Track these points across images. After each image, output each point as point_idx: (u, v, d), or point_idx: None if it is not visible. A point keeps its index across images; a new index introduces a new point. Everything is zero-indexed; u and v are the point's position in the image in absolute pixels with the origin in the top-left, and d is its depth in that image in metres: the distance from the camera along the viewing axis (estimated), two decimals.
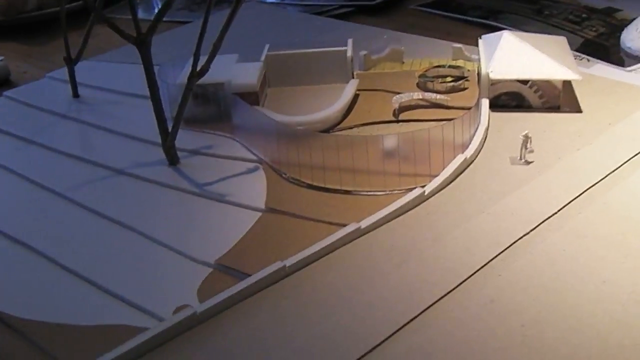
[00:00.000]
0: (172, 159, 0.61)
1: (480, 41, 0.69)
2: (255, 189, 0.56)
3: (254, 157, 0.60)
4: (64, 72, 0.77)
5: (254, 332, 0.40)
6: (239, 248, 0.49)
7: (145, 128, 0.64)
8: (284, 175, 0.57)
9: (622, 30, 0.82)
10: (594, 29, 0.86)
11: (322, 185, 0.55)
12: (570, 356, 0.36)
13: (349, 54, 0.69)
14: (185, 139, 0.63)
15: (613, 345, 0.37)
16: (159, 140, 0.61)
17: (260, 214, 0.53)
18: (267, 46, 0.71)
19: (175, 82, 0.65)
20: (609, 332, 0.38)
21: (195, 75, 0.57)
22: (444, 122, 0.55)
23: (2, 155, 0.66)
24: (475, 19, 0.91)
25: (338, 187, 0.54)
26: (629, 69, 0.74)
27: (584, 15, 0.90)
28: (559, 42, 0.67)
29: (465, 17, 0.92)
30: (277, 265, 0.44)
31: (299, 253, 0.45)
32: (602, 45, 0.82)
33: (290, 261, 0.44)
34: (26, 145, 0.68)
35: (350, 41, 0.71)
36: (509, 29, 0.71)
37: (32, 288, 0.48)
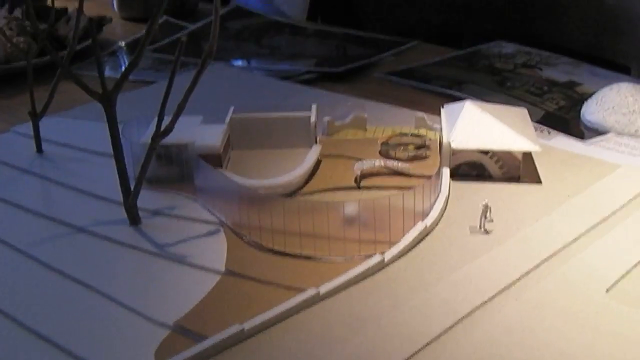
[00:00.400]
0: (134, 219, 0.60)
1: (442, 110, 0.70)
2: (215, 251, 0.56)
3: (215, 219, 0.60)
4: (29, 127, 0.76)
5: None
6: (197, 310, 0.49)
7: (108, 186, 0.64)
8: (244, 238, 0.57)
9: (582, 103, 0.84)
10: (554, 101, 0.88)
11: (282, 249, 0.55)
12: None
13: (313, 119, 0.70)
14: (147, 198, 0.62)
15: None
16: (121, 199, 0.61)
17: (219, 276, 0.53)
18: (231, 108, 0.72)
19: (139, 141, 0.65)
20: None
21: (159, 134, 0.57)
22: (405, 190, 0.55)
23: None
24: (438, 89, 0.93)
25: (298, 252, 0.54)
26: (588, 141, 0.76)
27: (545, 88, 0.92)
28: (520, 114, 0.69)
29: (429, 87, 0.94)
30: (235, 328, 0.44)
31: (258, 316, 0.45)
32: (562, 118, 0.84)
33: (248, 324, 0.44)
34: None
35: (314, 107, 0.71)
36: (471, 99, 0.72)
37: None
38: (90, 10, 1.25)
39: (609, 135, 0.78)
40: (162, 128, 0.58)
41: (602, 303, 0.47)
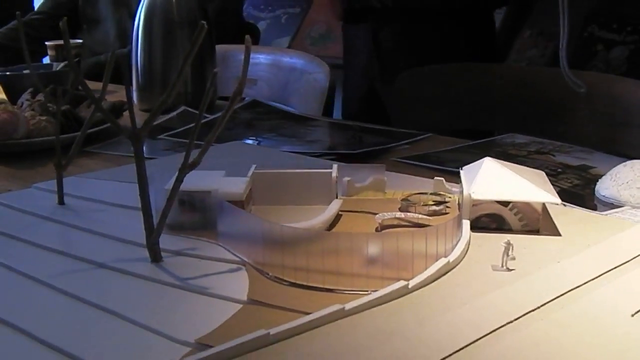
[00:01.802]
0: (155, 256, 0.61)
1: (461, 171, 0.71)
2: (237, 284, 0.56)
3: (237, 259, 0.60)
4: (49, 184, 0.78)
5: None
6: (220, 331, 0.49)
7: (129, 231, 0.65)
8: (266, 275, 0.57)
9: (596, 183, 0.85)
10: (569, 181, 0.90)
11: (305, 283, 0.55)
12: None
13: (334, 175, 0.71)
14: (169, 241, 0.63)
15: None
16: (142, 242, 0.62)
17: (241, 305, 0.53)
18: (254, 166, 0.73)
19: (163, 188, 0.66)
20: None
21: (186, 166, 0.58)
22: (428, 227, 0.56)
23: None
24: (453, 169, 0.94)
25: (321, 285, 0.54)
26: (603, 213, 0.77)
27: (559, 170, 0.94)
28: (538, 174, 0.70)
29: (443, 167, 0.95)
30: (261, 332, 0.43)
31: (283, 325, 0.45)
32: (577, 194, 0.85)
33: (274, 330, 0.44)
34: (8, 240, 0.67)
35: (335, 165, 0.73)
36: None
37: None
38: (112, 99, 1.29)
39: (624, 209, 0.78)
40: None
41: (627, 325, 0.46)
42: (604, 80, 1.34)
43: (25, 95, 1.28)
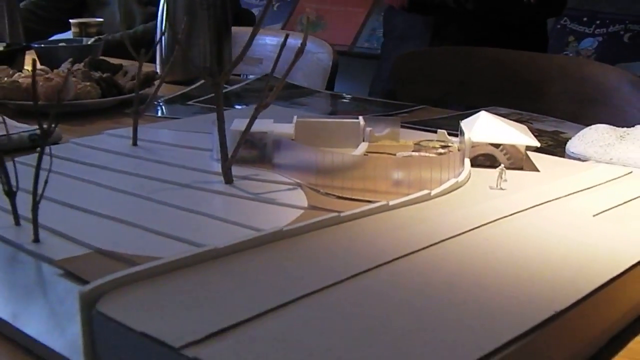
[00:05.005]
0: (229, 178, 0.78)
1: (461, 122, 0.89)
2: (297, 197, 0.74)
3: (293, 182, 0.78)
4: (118, 131, 0.95)
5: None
6: (296, 220, 0.66)
7: (199, 163, 0.82)
8: (319, 192, 0.75)
9: (567, 143, 1.04)
10: (544, 142, 1.08)
11: (350, 196, 0.73)
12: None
13: (362, 123, 0.89)
14: (235, 170, 0.80)
15: None
16: (212, 170, 0.79)
17: (303, 210, 0.71)
18: (295, 116, 0.91)
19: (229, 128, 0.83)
20: None
21: (261, 105, 0.75)
22: (441, 156, 0.74)
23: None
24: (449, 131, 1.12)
25: (361, 198, 0.73)
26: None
27: (536, 134, 1.12)
28: (522, 127, 0.88)
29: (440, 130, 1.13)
30: (333, 215, 0.61)
31: (346, 211, 0.62)
32: (551, 152, 1.03)
33: (344, 213, 0.61)
34: (96, 169, 0.85)
35: (361, 117, 0.91)
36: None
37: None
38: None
39: (589, 162, 0.97)
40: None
41: (589, 222, 0.65)
42: (575, 62, 1.54)
43: (66, 64, 1.45)
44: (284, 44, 0.74)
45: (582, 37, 2.54)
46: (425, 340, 0.43)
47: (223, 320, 0.43)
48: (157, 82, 1.12)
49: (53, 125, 0.66)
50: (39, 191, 0.65)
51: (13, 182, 0.67)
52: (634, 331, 0.56)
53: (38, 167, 0.65)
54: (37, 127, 1.03)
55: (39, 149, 0.66)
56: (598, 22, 2.54)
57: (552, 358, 0.48)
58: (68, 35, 2.51)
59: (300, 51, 0.74)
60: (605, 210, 0.68)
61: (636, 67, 2.41)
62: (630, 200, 0.72)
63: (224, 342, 0.41)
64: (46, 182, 0.65)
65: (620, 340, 0.55)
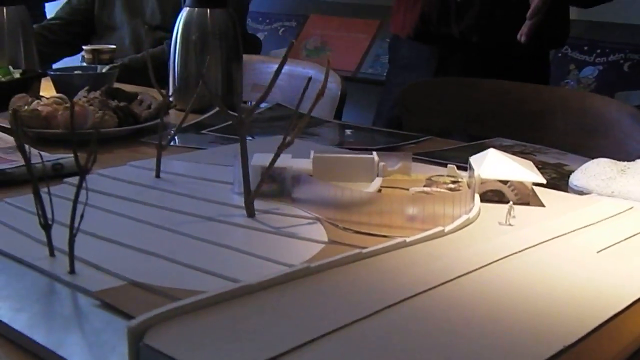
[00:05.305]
0: (251, 212, 0.82)
1: (470, 159, 0.94)
2: (317, 232, 0.78)
3: (312, 216, 0.82)
4: (140, 163, 0.99)
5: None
6: (317, 256, 0.71)
7: (221, 197, 0.87)
8: (337, 226, 0.79)
9: (570, 176, 1.08)
10: (547, 175, 1.12)
11: (367, 231, 0.77)
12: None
13: (376, 159, 0.93)
14: (256, 204, 0.84)
15: None
16: (235, 204, 0.84)
17: (324, 245, 0.75)
18: (312, 151, 0.95)
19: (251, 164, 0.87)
20: None
21: (284, 144, 0.80)
22: (453, 193, 0.78)
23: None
24: (457, 163, 1.17)
25: (377, 233, 0.77)
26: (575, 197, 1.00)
27: (539, 167, 1.16)
28: (528, 163, 0.93)
29: (448, 162, 1.18)
30: (355, 251, 0.65)
31: (369, 247, 0.67)
32: (554, 185, 1.07)
33: (366, 250, 0.66)
34: (122, 201, 0.89)
35: (374, 152, 0.95)
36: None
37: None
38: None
39: (591, 195, 1.01)
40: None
41: (593, 258, 0.69)
42: (576, 94, 1.59)
43: (82, 92, 1.49)
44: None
45: (583, 65, 2.60)
46: None
47: (261, 354, 0.47)
48: (171, 110, 1.16)
49: (92, 156, 0.70)
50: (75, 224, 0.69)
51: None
52: None
53: (76, 199, 0.69)
54: (59, 157, 1.07)
55: (66, 179, 0.70)
56: (599, 50, 2.60)
57: None
58: (77, 58, 2.56)
59: (321, 94, 0.79)
60: (609, 247, 0.72)
61: (636, 95, 2.47)
62: (632, 236, 0.76)
63: None
64: (82, 216, 0.70)
65: None
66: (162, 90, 0.99)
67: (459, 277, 0.62)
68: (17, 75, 1.64)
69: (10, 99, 1.42)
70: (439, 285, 0.60)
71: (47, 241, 0.74)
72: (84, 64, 1.92)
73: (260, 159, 0.87)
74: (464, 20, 1.72)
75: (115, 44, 2.25)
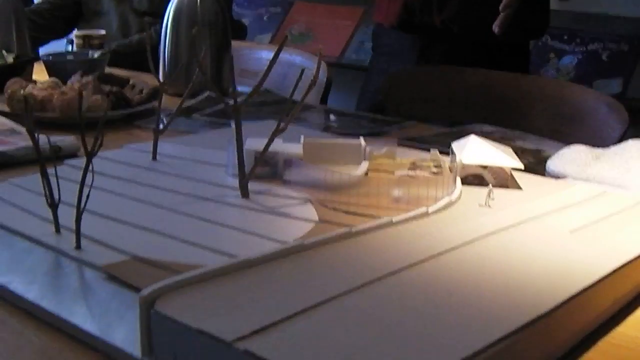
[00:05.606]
0: (245, 193, 0.87)
1: (453, 144, 0.99)
2: (307, 211, 0.83)
3: (303, 197, 0.87)
4: (137, 146, 1.04)
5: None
6: (309, 234, 0.75)
7: (216, 178, 0.91)
8: (327, 207, 0.84)
9: (547, 161, 1.14)
10: (526, 159, 1.18)
11: (355, 211, 0.82)
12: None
13: (363, 144, 0.98)
14: (250, 186, 0.89)
15: None
16: (229, 185, 0.88)
17: (314, 223, 0.80)
18: (302, 136, 1.00)
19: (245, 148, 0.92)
20: None
21: (278, 130, 0.84)
22: (436, 176, 0.84)
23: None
24: (440, 148, 1.22)
25: (365, 212, 0.82)
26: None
27: (518, 152, 1.21)
28: (507, 149, 0.98)
29: (430, 147, 1.23)
30: (345, 229, 0.70)
31: (358, 225, 0.72)
32: (532, 169, 1.13)
33: (355, 228, 0.71)
34: (124, 182, 0.93)
35: (361, 138, 1.00)
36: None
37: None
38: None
39: (566, 179, 1.07)
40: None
41: (566, 238, 0.75)
42: (555, 83, 1.64)
43: (76, 77, 1.53)
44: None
45: (563, 54, 2.66)
46: (428, 338, 0.53)
47: (263, 319, 0.52)
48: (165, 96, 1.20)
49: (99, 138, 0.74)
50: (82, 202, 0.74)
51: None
52: (604, 332, 0.66)
53: (83, 179, 0.73)
54: (56, 139, 1.11)
55: (67, 160, 0.74)
56: (578, 40, 2.66)
57: (533, 354, 0.58)
58: (61, 43, 2.59)
59: (314, 83, 0.83)
60: (581, 228, 0.77)
61: (614, 83, 2.54)
62: (604, 218, 0.81)
63: (267, 337, 0.51)
64: (88, 196, 0.74)
65: (590, 340, 0.65)
66: (158, 76, 1.03)
67: (441, 253, 0.67)
68: (10, 59, 1.67)
69: (5, 83, 1.45)
70: (422, 261, 0.65)
71: (53, 219, 0.78)
72: (72, 49, 1.96)
73: (253, 144, 0.91)
74: (445, 11, 1.77)
75: (102, 29, 2.28)
